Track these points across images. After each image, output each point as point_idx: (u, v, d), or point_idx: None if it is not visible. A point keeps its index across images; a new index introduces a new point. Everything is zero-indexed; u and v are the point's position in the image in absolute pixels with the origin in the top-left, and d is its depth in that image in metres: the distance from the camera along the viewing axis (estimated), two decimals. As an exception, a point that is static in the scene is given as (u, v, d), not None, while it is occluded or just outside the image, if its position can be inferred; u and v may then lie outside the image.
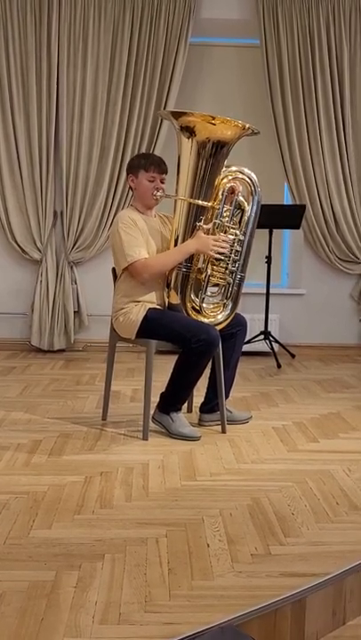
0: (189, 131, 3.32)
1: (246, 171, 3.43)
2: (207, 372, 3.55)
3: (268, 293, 5.56)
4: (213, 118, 3.28)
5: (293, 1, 5.55)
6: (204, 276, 3.43)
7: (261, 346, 5.59)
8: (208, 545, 2.23)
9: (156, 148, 5.56)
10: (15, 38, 5.48)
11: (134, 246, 3.36)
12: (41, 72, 5.51)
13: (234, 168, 3.42)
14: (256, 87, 5.84)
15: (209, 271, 3.42)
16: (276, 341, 5.60)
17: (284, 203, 6.06)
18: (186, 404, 3.75)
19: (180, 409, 3.48)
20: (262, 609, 1.84)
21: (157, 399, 3.51)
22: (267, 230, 5.40)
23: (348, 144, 5.72)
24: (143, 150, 5.57)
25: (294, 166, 5.72)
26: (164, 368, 3.53)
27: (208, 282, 3.44)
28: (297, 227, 5.49)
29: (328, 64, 5.61)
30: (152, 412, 3.48)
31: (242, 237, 3.43)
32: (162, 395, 3.49)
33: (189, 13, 5.51)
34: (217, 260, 3.39)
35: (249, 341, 5.34)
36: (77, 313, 5.79)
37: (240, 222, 3.44)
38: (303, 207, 5.49)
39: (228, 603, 1.88)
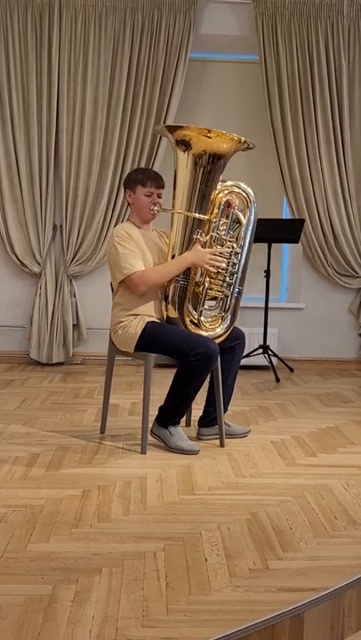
0: (185, 144, 3.34)
1: (242, 185, 3.46)
2: (206, 385, 3.55)
3: (266, 307, 5.57)
4: (209, 131, 3.30)
5: (292, 17, 5.60)
6: (201, 289, 3.44)
7: (260, 360, 5.59)
8: (206, 559, 2.22)
9: (155, 162, 5.60)
10: (16, 53, 5.52)
11: (130, 259, 3.37)
12: (41, 86, 5.55)
13: (229, 182, 3.44)
14: (255, 103, 5.88)
15: (207, 284, 3.43)
16: (275, 355, 5.60)
17: (283, 217, 6.08)
18: (184, 418, 3.74)
19: (178, 422, 3.47)
20: (260, 624, 1.83)
21: (156, 412, 3.51)
22: (266, 244, 5.42)
23: (347, 159, 5.75)
24: (143, 164, 5.60)
25: (293, 181, 5.75)
26: (163, 381, 3.53)
27: (206, 295, 3.45)
28: (296, 241, 5.50)
29: (327, 80, 5.65)
30: (151, 425, 3.48)
31: (238, 250, 3.44)
32: (160, 408, 3.48)
33: (189, 29, 5.55)
34: (214, 272, 3.40)
35: (248, 355, 5.35)
36: (76, 326, 5.79)
37: (237, 236, 3.46)
38: (302, 221, 5.51)
39: (225, 617, 1.87)
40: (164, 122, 5.57)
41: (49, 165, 5.62)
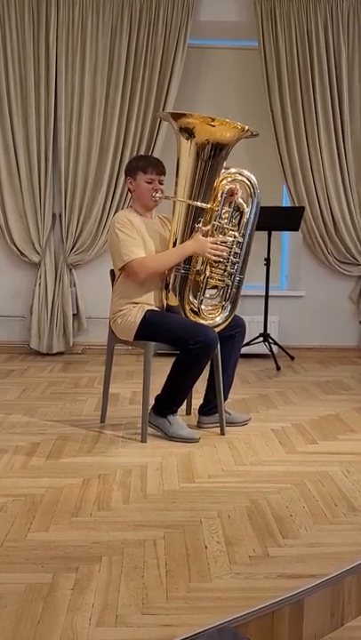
0: (189, 132, 3.31)
1: (246, 172, 3.43)
2: (206, 373, 3.54)
3: (267, 295, 5.56)
4: (213, 120, 3.27)
5: (291, 3, 5.56)
6: (202, 277, 3.42)
7: (260, 348, 5.58)
8: (206, 547, 2.22)
9: (154, 150, 5.56)
10: (13, 41, 5.48)
11: (131, 246, 3.36)
12: (39, 74, 5.51)
13: (233, 170, 3.41)
14: (254, 89, 5.84)
15: (207, 273, 3.41)
16: (276, 343, 5.60)
17: (283, 205, 6.06)
18: (185, 406, 3.74)
19: (176, 411, 3.46)
20: (260, 610, 1.84)
21: (156, 402, 3.51)
22: (266, 232, 5.39)
23: (347, 146, 5.72)
24: (142, 152, 5.57)
25: (293, 168, 5.72)
26: (163, 370, 3.52)
27: (207, 283, 3.43)
28: (296, 229, 5.49)
29: (326, 66, 5.61)
30: (149, 414, 3.48)
31: (241, 239, 3.42)
32: (157, 397, 3.47)
33: (188, 15, 5.51)
34: (215, 261, 3.38)
35: (248, 343, 5.34)
36: (76, 316, 5.79)
37: (239, 224, 3.44)
38: (302, 209, 5.49)
39: (225, 604, 1.87)
40: (164, 109, 5.54)
41: (47, 154, 5.59)
